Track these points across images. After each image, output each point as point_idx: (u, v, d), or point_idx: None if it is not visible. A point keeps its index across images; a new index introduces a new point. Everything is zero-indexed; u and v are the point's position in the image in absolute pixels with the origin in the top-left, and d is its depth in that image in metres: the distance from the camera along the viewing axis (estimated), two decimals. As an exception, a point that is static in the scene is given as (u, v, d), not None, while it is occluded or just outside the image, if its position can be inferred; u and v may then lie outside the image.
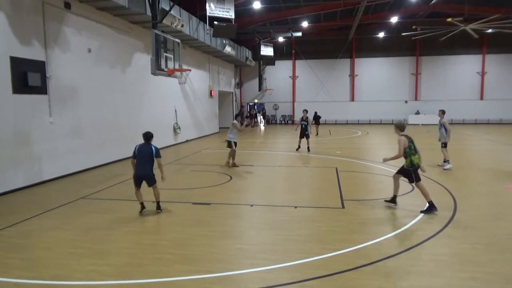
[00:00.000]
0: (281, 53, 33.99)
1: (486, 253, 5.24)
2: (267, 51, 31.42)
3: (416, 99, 33.89)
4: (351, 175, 11.04)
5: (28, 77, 9.50)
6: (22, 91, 9.45)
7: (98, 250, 5.52)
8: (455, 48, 32.05)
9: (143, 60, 15.36)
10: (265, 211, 7.55)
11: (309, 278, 4.56)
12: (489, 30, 25.46)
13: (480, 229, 6.24)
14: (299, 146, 16.14)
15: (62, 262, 5.12)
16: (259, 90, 34.78)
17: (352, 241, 5.72)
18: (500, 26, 21.41)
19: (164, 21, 13.55)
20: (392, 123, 33.17)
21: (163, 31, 13.00)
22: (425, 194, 7.17)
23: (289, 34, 31.10)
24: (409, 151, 7.19)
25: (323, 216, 7.12)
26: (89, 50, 12.18)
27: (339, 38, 33.32)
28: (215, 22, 18.51)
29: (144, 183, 7.31)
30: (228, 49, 24.13)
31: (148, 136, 7.31)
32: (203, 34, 20.17)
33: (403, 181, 9.84)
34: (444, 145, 11.66)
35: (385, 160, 7.67)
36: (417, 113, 33.17)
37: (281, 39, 32.68)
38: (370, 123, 33.83)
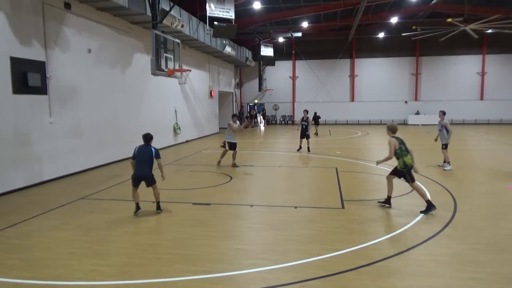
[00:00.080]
0: (281, 53, 34.01)
1: (486, 253, 5.24)
2: (267, 51, 31.44)
3: (416, 100, 33.90)
4: (351, 176, 11.04)
5: (28, 78, 9.51)
6: (22, 91, 9.46)
7: (98, 250, 5.52)
8: (455, 48, 32.07)
9: (143, 60, 15.36)
10: (265, 212, 7.55)
11: (309, 278, 4.56)
12: (489, 31, 25.47)
13: (480, 229, 6.24)
14: (300, 147, 16.13)
15: (62, 263, 5.12)
16: (259, 91, 34.80)
17: (352, 241, 5.72)
18: (500, 26, 21.42)
19: (164, 21, 13.57)
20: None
21: (163, 32, 13.02)
22: (421, 194, 7.19)
23: (289, 35, 31.11)
24: (400, 152, 7.21)
25: (323, 216, 7.12)
26: (89, 51, 12.19)
27: (339, 39, 33.33)
28: (215, 23, 18.53)
29: (142, 184, 7.30)
30: (228, 49, 24.14)
31: (148, 138, 7.34)
32: (203, 34, 20.18)
33: (401, 181, 9.87)
34: (445, 146, 11.63)
35: (378, 162, 7.64)
36: (417, 113, 33.18)
37: (281, 39, 32.70)
38: (370, 124, 33.83)
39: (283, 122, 36.24)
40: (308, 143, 15.88)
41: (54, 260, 5.20)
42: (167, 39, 12.86)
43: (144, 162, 7.15)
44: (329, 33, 33.07)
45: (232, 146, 12.40)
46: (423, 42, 31.01)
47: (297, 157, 15.09)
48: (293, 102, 35.70)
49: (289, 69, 35.64)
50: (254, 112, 34.95)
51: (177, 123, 19.49)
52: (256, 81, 34.79)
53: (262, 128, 32.55)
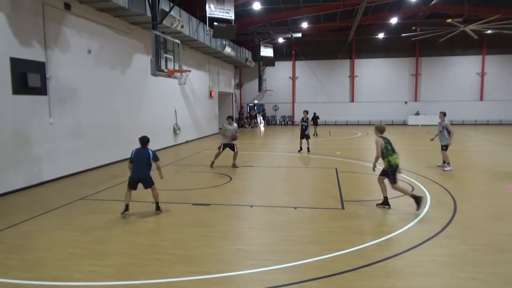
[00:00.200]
0: (281, 54, 34.02)
1: (486, 254, 5.24)
2: (267, 52, 31.45)
3: (416, 100, 33.92)
4: (351, 176, 11.05)
5: (28, 78, 9.50)
6: (22, 92, 9.45)
7: (98, 251, 5.52)
8: (455, 49, 32.08)
9: (143, 61, 15.37)
10: (265, 212, 7.55)
11: (309, 279, 4.56)
12: (489, 31, 25.49)
13: (480, 229, 6.24)
14: (300, 148, 16.11)
15: (62, 263, 5.12)
16: (259, 91, 34.82)
17: (352, 241, 5.72)
18: (499, 27, 21.44)
19: (164, 22, 13.57)
20: (392, 124, 33.31)
21: (163, 32, 13.03)
22: (405, 192, 7.35)
23: (289, 35, 31.13)
24: (386, 151, 7.28)
25: (323, 217, 7.12)
26: (89, 51, 12.19)
27: (339, 39, 33.35)
28: (215, 23, 18.55)
29: (140, 185, 7.31)
30: (228, 50, 24.15)
31: (144, 141, 7.34)
32: (203, 35, 20.19)
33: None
34: (445, 147, 11.59)
35: (374, 167, 7.59)
36: (417, 114, 33.19)
37: (281, 40, 32.71)
38: (370, 124, 33.81)
39: (283, 122, 36.24)
40: (308, 144, 15.88)
41: (54, 261, 5.20)
42: (167, 40, 12.87)
43: (141, 165, 7.16)
44: (329, 34, 33.09)
45: (230, 147, 12.36)
46: (422, 42, 31.04)
47: (297, 157, 15.09)
48: (293, 102, 35.71)
49: (289, 70, 35.66)
50: (254, 113, 34.97)
51: (177, 124, 19.49)
52: (256, 81, 34.81)
53: (262, 128, 32.56)
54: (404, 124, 33.53)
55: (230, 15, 18.66)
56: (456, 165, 11.84)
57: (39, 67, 10.03)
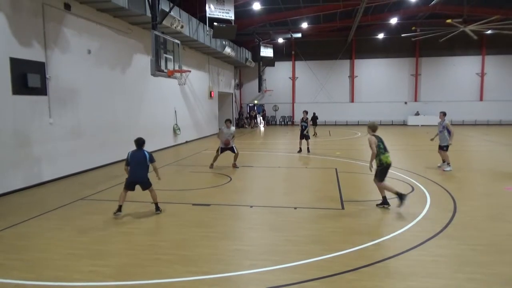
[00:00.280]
0: (281, 54, 34.01)
1: (486, 254, 5.24)
2: (266, 52, 31.45)
3: (415, 100, 33.92)
4: (351, 176, 11.04)
5: (28, 78, 9.50)
6: (22, 92, 9.45)
7: (98, 251, 5.51)
8: (455, 49, 32.09)
9: (143, 61, 15.37)
10: (265, 212, 7.55)
11: (309, 279, 4.56)
12: (489, 31, 25.49)
13: (480, 230, 6.24)
14: (300, 149, 16.08)
15: (62, 263, 5.12)
16: (259, 91, 34.82)
17: (352, 242, 5.71)
18: (499, 27, 21.44)
19: (164, 22, 13.57)
20: (392, 124, 33.33)
21: (163, 32, 13.03)
22: (390, 190, 7.38)
23: (289, 35, 31.14)
24: (378, 150, 7.37)
25: (323, 217, 7.12)
26: (89, 51, 12.19)
27: (339, 39, 33.36)
28: (215, 23, 18.55)
29: (137, 187, 7.30)
30: (227, 50, 24.15)
31: (140, 142, 7.28)
32: (203, 35, 20.19)
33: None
34: (446, 148, 11.56)
35: (370, 167, 7.57)
36: (417, 114, 33.20)
37: (280, 40, 32.72)
38: (369, 124, 33.80)
39: (282, 123, 36.25)
40: (307, 144, 15.87)
41: (53, 261, 5.20)
42: (166, 40, 12.87)
43: (138, 167, 7.14)
44: (329, 34, 33.10)
45: (230, 150, 12.33)
46: (422, 43, 31.06)
47: (297, 158, 15.09)
48: (293, 103, 35.71)
49: (289, 70, 35.66)
50: (254, 113, 34.96)
51: (176, 124, 19.49)
52: (256, 81, 34.81)
53: (262, 129, 32.56)
54: (404, 124, 33.53)
55: (230, 15, 18.67)
56: (456, 166, 11.83)
57: (39, 67, 10.03)
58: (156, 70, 12.08)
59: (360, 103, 34.60)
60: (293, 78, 35.67)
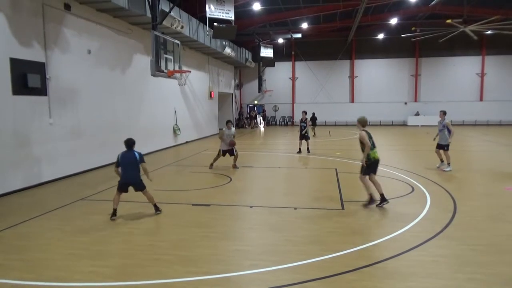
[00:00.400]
0: (281, 54, 34.02)
1: (485, 254, 5.24)
2: (266, 52, 31.45)
3: (415, 101, 33.92)
4: (351, 177, 11.02)
5: (28, 79, 9.50)
6: (21, 92, 9.46)
7: (98, 251, 5.51)
8: (455, 49, 32.09)
9: (143, 61, 15.37)
10: (265, 213, 7.54)
11: (310, 279, 4.56)
12: (489, 32, 25.50)
13: (480, 230, 6.24)
14: (300, 150, 16.07)
15: (62, 264, 5.12)
16: (259, 92, 34.83)
17: (352, 242, 5.71)
18: (499, 27, 21.45)
19: (164, 22, 13.58)
20: (392, 125, 33.34)
21: (163, 33, 13.03)
22: (366, 188, 7.58)
23: (289, 36, 31.15)
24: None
25: (323, 217, 7.11)
26: (89, 52, 12.19)
27: (339, 40, 33.37)
28: (215, 24, 18.55)
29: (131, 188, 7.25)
30: (227, 50, 24.16)
31: (130, 143, 7.21)
32: (203, 35, 20.20)
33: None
34: (447, 147, 11.54)
35: (365, 161, 7.60)
36: (417, 114, 33.20)
37: (280, 40, 32.73)
38: (369, 125, 33.71)
39: (282, 123, 36.25)
40: (307, 144, 15.87)
41: (53, 261, 5.20)
42: (167, 40, 12.87)
43: (129, 168, 7.08)
44: (329, 34, 33.10)
45: (229, 153, 12.32)
46: (422, 43, 31.06)
47: (296, 158, 15.09)
48: (293, 103, 35.72)
49: (289, 70, 35.66)
50: (254, 113, 34.97)
51: (176, 124, 19.50)
52: (256, 82, 34.81)
53: (262, 129, 32.56)
54: (404, 124, 33.54)
55: (230, 15, 18.67)
56: (456, 166, 11.82)
57: (39, 68, 10.03)
58: (156, 70, 12.09)
59: (360, 103, 34.59)
60: (293, 79, 35.68)
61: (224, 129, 12.36)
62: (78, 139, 11.69)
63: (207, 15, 17.95)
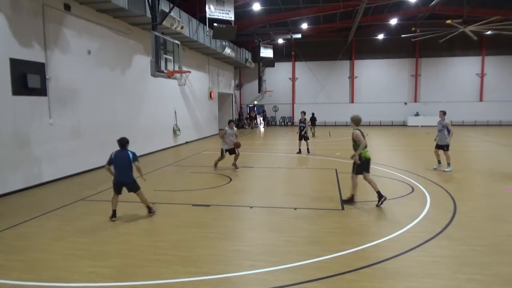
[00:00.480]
0: (281, 55, 34.02)
1: (485, 255, 5.24)
2: (266, 52, 31.45)
3: (415, 101, 33.92)
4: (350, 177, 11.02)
5: (28, 79, 9.51)
6: (21, 92, 9.46)
7: (98, 252, 5.51)
8: (455, 50, 32.10)
9: (143, 61, 15.38)
10: (264, 213, 7.55)
11: (309, 280, 4.56)
12: (488, 32, 25.50)
13: (480, 230, 6.24)
14: (299, 150, 16.07)
15: (62, 264, 5.12)
16: (259, 92, 34.83)
17: (352, 242, 5.72)
18: (499, 28, 21.46)
19: (164, 23, 13.58)
20: (392, 125, 33.34)
21: (163, 33, 13.04)
22: (353, 188, 7.80)
23: (289, 36, 31.14)
24: (360, 144, 7.59)
25: (323, 218, 7.12)
26: (89, 52, 12.20)
27: (339, 40, 33.37)
28: (215, 24, 18.56)
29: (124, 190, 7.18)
30: (227, 50, 24.17)
31: (123, 142, 7.13)
32: (203, 36, 20.20)
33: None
34: (447, 148, 11.55)
35: (357, 157, 7.68)
36: (417, 114, 33.21)
37: (280, 41, 32.72)
38: (369, 125, 33.84)
39: (282, 123, 36.26)
40: (307, 145, 15.88)
41: (53, 262, 5.20)
42: (166, 41, 12.88)
43: (123, 168, 6.98)
44: (329, 35, 33.10)
45: (230, 151, 12.32)
46: (422, 43, 31.05)
47: (296, 158, 15.10)
48: (293, 103, 35.71)
49: (289, 71, 35.66)
50: (254, 114, 34.98)
51: (176, 125, 19.50)
52: (256, 82, 34.81)
53: (262, 129, 32.56)
54: (404, 125, 33.54)
55: (230, 16, 18.67)
56: (456, 166, 11.82)
57: (39, 68, 10.04)
58: (156, 70, 12.09)
59: (360, 103, 34.59)
60: (293, 79, 35.68)
61: (226, 128, 12.33)
62: (78, 139, 11.69)
63: (207, 16, 17.95)
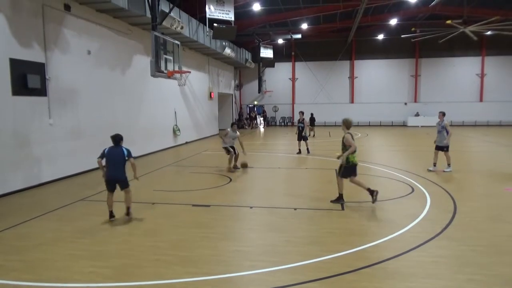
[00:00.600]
0: (281, 55, 34.02)
1: (485, 255, 5.24)
2: (266, 53, 31.46)
3: (415, 101, 33.93)
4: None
5: (28, 79, 9.51)
6: (21, 93, 9.46)
7: (98, 252, 5.51)
8: (455, 50, 32.10)
9: (143, 62, 15.38)
10: (264, 213, 7.55)
11: (309, 280, 4.56)
12: (488, 32, 25.51)
13: (480, 231, 6.24)
14: (299, 150, 16.07)
15: (61, 264, 5.12)
16: (259, 92, 34.83)
17: (352, 243, 5.71)
18: (499, 28, 21.46)
19: (164, 23, 13.58)
20: (392, 125, 33.34)
21: (162, 33, 13.03)
22: (339, 187, 7.97)
23: (289, 36, 31.14)
24: (350, 148, 7.69)
25: (323, 218, 7.12)
26: (89, 52, 12.20)
27: (339, 40, 33.38)
28: (215, 24, 18.56)
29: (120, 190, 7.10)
30: (227, 51, 24.17)
31: (117, 139, 7.01)
32: (203, 36, 20.20)
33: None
34: (447, 148, 11.55)
35: (343, 158, 7.74)
36: (417, 115, 33.21)
37: (280, 41, 32.73)
38: (369, 125, 33.86)
39: (282, 123, 36.26)
40: (306, 145, 15.87)
41: (53, 262, 5.20)
42: (166, 41, 12.88)
43: (116, 164, 6.83)
44: (329, 35, 33.11)
45: (232, 150, 12.29)
46: (422, 43, 31.04)
47: (296, 158, 15.09)
48: (293, 103, 35.71)
49: (289, 71, 35.67)
50: (254, 114, 34.97)
51: (176, 125, 19.50)
52: (256, 82, 34.81)
53: (262, 129, 32.56)
54: (404, 125, 33.54)
55: (230, 16, 18.67)
56: (456, 166, 11.82)
57: (39, 68, 10.03)
58: (156, 71, 12.09)
59: (360, 104, 34.61)
60: (293, 79, 35.68)
61: (228, 130, 12.23)
62: (78, 139, 11.69)
63: (207, 16, 17.95)
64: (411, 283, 4.48)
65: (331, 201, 8.00)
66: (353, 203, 8.00)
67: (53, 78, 10.56)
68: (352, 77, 34.78)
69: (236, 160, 12.45)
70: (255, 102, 36.46)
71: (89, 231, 6.45)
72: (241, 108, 36.03)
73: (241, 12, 23.68)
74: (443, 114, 11.82)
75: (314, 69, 35.06)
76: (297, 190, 9.68)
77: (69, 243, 5.91)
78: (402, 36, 27.15)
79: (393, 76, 34.23)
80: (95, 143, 12.40)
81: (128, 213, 7.08)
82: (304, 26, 28.53)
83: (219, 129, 27.39)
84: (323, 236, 6.11)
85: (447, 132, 11.49)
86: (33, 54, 9.87)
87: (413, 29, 25.50)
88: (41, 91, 10.11)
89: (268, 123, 36.36)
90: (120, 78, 14.17)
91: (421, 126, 31.08)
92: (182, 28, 15.45)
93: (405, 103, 34.06)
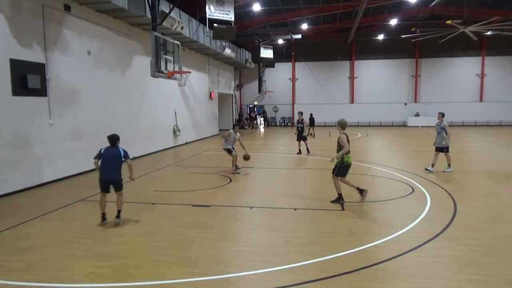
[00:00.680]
0: (281, 55, 34.03)
1: (485, 255, 5.24)
2: (266, 53, 31.46)
3: (415, 101, 33.93)
4: (350, 177, 10.98)
5: (28, 79, 9.51)
6: (21, 93, 9.46)
7: (98, 252, 5.51)
8: (455, 50, 32.11)
9: (143, 62, 15.38)
10: (264, 213, 7.55)
11: (309, 280, 4.56)
12: (488, 32, 25.52)
13: (480, 231, 6.24)
14: (299, 151, 16.07)
15: (62, 265, 5.12)
16: (259, 92, 34.83)
17: (352, 243, 5.71)
18: (499, 28, 21.47)
19: (164, 23, 13.58)
20: (392, 125, 33.35)
21: (163, 33, 13.03)
22: (336, 187, 8.05)
23: (289, 36, 31.16)
24: (344, 148, 7.78)
25: (323, 218, 7.12)
26: (89, 52, 12.20)
27: (339, 40, 33.39)
28: (215, 25, 18.56)
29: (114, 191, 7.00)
30: (227, 51, 24.17)
31: (114, 139, 6.94)
32: (203, 36, 20.21)
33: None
34: (447, 149, 11.55)
35: (335, 160, 7.96)
36: (417, 115, 33.21)
37: (280, 41, 32.73)
38: (369, 125, 33.86)
39: (282, 124, 36.27)
40: (306, 145, 15.87)
41: (53, 262, 5.20)
42: (166, 41, 12.88)
43: (112, 165, 6.72)
44: (329, 35, 33.12)
45: (233, 150, 12.28)
46: (422, 44, 31.05)
47: (296, 159, 15.09)
48: (293, 104, 35.72)
49: (289, 71, 35.68)
50: (254, 114, 34.98)
51: (176, 125, 19.50)
52: (256, 83, 34.82)
53: (262, 130, 32.56)
54: (404, 125, 33.54)
55: (230, 16, 18.68)
56: (456, 167, 11.82)
57: (39, 69, 10.04)
58: (156, 71, 12.09)
59: (360, 104, 34.62)
60: (293, 79, 35.69)
61: (231, 131, 12.21)
62: (78, 139, 11.69)
63: (207, 16, 17.95)
64: (411, 283, 4.48)
65: (331, 202, 8.02)
66: (353, 203, 8.01)
67: (53, 79, 10.56)
68: (352, 77, 34.79)
69: (235, 160, 12.43)
70: (255, 103, 36.47)
71: (89, 231, 6.45)
72: (241, 108, 36.03)
73: (241, 12, 23.68)
74: (442, 115, 11.82)
75: (314, 69, 35.06)
76: (297, 190, 9.68)
77: (69, 243, 5.92)
78: (402, 36, 27.16)
79: (393, 76, 34.24)
80: (95, 143, 12.36)
81: (118, 216, 6.90)
82: (304, 26, 28.53)
83: (219, 129, 27.40)
84: (323, 236, 6.11)
85: (446, 133, 11.50)
86: (33, 55, 9.87)
87: (413, 29, 25.50)
88: (41, 92, 10.11)
89: (268, 123, 36.37)
90: (120, 79, 14.18)
91: (421, 126, 31.08)
92: (182, 28, 15.45)
93: (405, 103, 34.06)
